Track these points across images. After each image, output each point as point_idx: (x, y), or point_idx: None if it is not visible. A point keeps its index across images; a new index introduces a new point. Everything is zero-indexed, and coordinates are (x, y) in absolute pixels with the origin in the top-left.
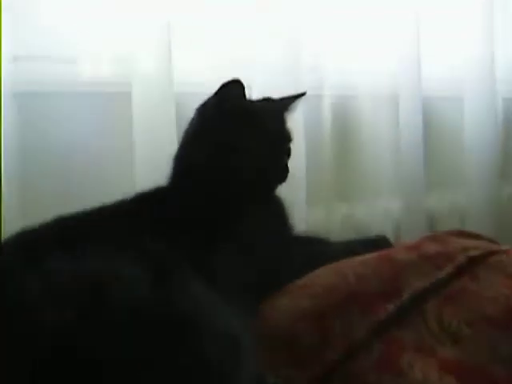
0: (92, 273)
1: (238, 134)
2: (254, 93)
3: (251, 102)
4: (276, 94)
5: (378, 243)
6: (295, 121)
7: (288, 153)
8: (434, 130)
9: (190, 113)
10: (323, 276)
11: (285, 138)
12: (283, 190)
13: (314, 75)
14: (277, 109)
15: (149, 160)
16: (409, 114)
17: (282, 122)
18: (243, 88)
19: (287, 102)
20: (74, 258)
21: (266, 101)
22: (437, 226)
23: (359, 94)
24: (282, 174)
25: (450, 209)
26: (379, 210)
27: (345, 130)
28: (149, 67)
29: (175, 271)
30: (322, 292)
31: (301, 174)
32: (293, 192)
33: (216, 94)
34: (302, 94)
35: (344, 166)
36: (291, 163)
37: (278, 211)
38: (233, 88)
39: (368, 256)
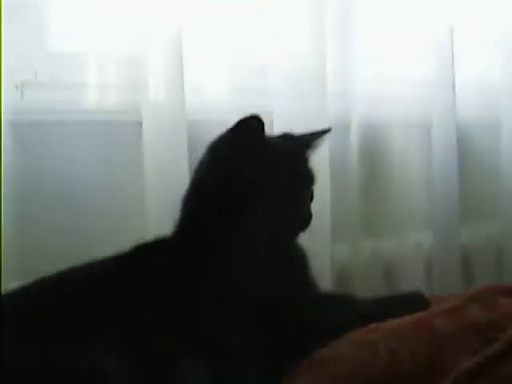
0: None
1: (254, 178)
2: (274, 123)
3: (271, 140)
4: (298, 124)
5: (412, 301)
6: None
7: (311, 196)
8: (468, 159)
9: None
10: (349, 349)
11: (308, 180)
12: None
13: (339, 102)
14: (299, 147)
15: (161, 195)
16: (442, 141)
17: (304, 163)
18: (262, 125)
19: (311, 138)
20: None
21: (287, 138)
22: (472, 262)
23: (388, 121)
24: (305, 221)
25: (486, 243)
26: (409, 245)
27: (373, 159)
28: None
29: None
30: (347, 372)
31: (325, 208)
32: (316, 228)
33: (231, 130)
34: (327, 131)
35: (372, 199)
36: (316, 197)
37: (298, 264)
38: (251, 125)
39: (402, 321)
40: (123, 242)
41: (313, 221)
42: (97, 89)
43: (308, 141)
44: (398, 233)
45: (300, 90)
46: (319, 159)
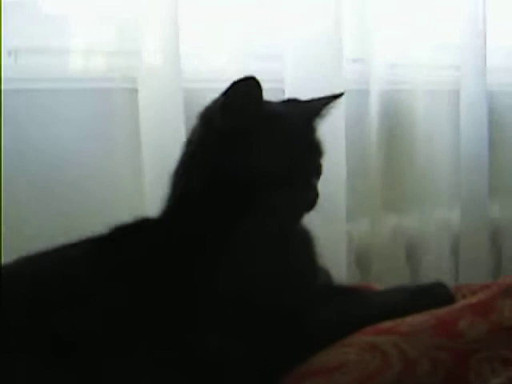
0: None
1: (250, 150)
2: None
3: (270, 104)
4: (311, 91)
5: (433, 294)
6: (335, 119)
7: (318, 172)
8: (498, 128)
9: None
10: (355, 355)
11: (314, 152)
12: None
13: (358, 66)
14: (305, 114)
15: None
16: (471, 109)
17: (310, 132)
18: (259, 87)
19: (319, 104)
20: None
21: (291, 103)
22: (501, 240)
23: (412, 88)
24: (309, 200)
25: None
26: (435, 221)
27: (395, 128)
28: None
29: None
30: (353, 381)
31: (340, 182)
32: (331, 204)
33: (224, 94)
34: (339, 96)
35: (394, 171)
36: (330, 170)
37: (300, 251)
38: (245, 87)
39: (419, 321)
40: (118, 216)
41: (327, 196)
42: (88, 54)
43: (316, 107)
44: (422, 208)
45: (314, 55)
46: (334, 128)
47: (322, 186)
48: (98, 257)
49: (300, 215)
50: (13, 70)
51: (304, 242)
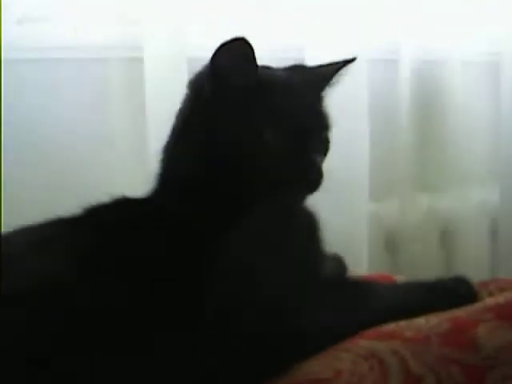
0: None
1: (241, 121)
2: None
3: (269, 70)
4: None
5: (450, 291)
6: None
7: (325, 148)
8: None
9: None
10: (349, 361)
11: (317, 125)
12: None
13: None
14: (309, 81)
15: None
16: None
17: (314, 102)
18: (251, 49)
19: (327, 71)
20: None
21: (297, 69)
22: None
23: (448, 59)
24: (310, 179)
25: None
26: (471, 202)
27: (428, 102)
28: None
29: None
30: None
31: (363, 159)
32: (353, 183)
33: (211, 59)
34: (350, 61)
35: (426, 148)
36: (351, 147)
37: (301, 240)
38: (235, 49)
39: (431, 324)
40: (121, 188)
41: (348, 174)
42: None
43: (323, 74)
44: (458, 188)
45: (337, 18)
46: (355, 100)
47: (342, 162)
48: (71, 238)
49: (300, 196)
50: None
51: (307, 228)
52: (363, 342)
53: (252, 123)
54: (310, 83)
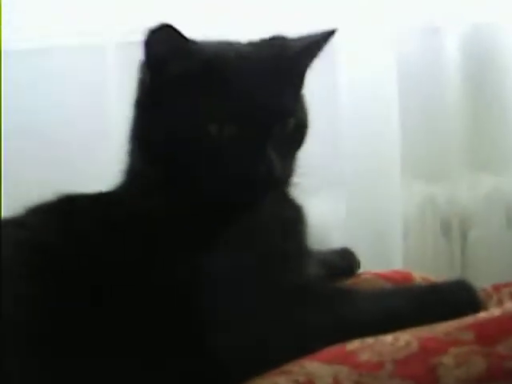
0: None
1: (183, 113)
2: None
3: (221, 50)
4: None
5: (447, 297)
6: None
7: (288, 139)
8: None
9: None
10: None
11: (274, 115)
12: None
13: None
14: (277, 59)
15: None
16: None
17: (275, 86)
18: (178, 32)
19: (307, 44)
20: None
21: (264, 45)
22: None
23: (504, 23)
24: (262, 177)
25: None
26: None
27: (482, 75)
28: None
29: None
30: None
31: (393, 140)
32: (385, 165)
33: (144, 48)
34: (330, 33)
35: (483, 125)
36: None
37: (277, 237)
38: (161, 34)
39: (400, 345)
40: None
41: (379, 156)
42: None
43: (303, 47)
44: None
45: None
46: (383, 77)
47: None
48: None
49: (253, 195)
50: None
51: (288, 224)
52: (310, 365)
53: (195, 116)
54: (280, 60)
